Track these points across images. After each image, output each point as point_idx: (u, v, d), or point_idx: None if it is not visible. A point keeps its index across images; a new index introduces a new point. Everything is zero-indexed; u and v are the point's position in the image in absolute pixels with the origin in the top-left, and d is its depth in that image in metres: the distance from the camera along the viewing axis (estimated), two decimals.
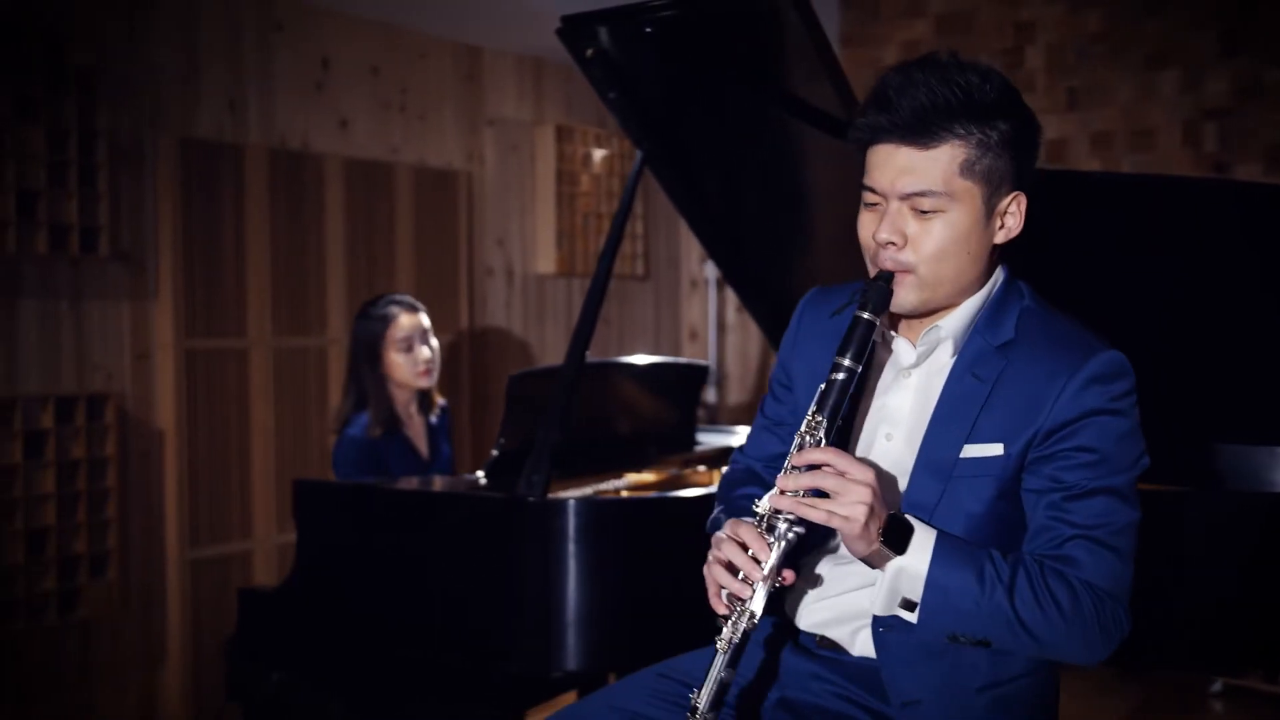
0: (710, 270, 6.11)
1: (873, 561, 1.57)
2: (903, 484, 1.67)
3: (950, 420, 1.62)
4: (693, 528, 1.98)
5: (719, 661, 1.57)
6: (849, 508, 1.50)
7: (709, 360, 6.03)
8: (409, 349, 3.36)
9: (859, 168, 1.64)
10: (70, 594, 3.75)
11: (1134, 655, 2.44)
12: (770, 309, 3.27)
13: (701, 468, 3.45)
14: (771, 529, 1.56)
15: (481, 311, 5.19)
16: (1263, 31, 4.56)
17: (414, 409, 3.45)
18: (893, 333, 1.72)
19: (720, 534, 1.61)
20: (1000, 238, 1.63)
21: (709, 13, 2.53)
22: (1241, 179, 4.49)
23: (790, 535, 1.55)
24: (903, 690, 1.65)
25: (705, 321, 6.21)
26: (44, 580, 3.68)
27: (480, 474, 2.94)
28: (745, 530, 1.57)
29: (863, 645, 1.71)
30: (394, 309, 3.39)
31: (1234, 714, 4.29)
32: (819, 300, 1.85)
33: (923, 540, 1.55)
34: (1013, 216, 1.62)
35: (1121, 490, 1.59)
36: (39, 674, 3.74)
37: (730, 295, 6.16)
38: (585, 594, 2.42)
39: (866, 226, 1.63)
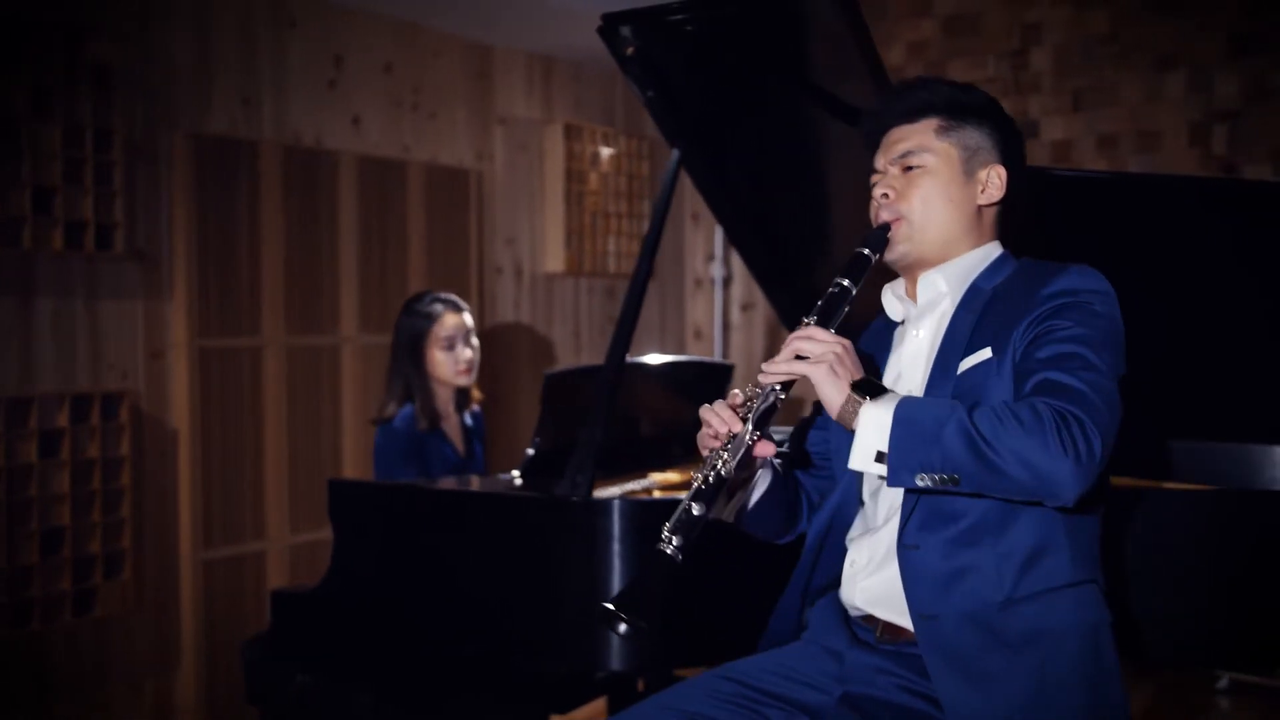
0: (716, 269, 6.11)
1: (846, 419, 1.67)
2: None
3: (951, 347, 1.79)
4: (736, 530, 1.98)
5: (689, 495, 1.71)
6: (816, 356, 1.69)
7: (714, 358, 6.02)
8: (451, 348, 3.41)
9: None
10: (85, 594, 3.72)
11: (1144, 650, 2.47)
12: (794, 302, 3.27)
13: None
14: (759, 395, 1.75)
15: (491, 311, 5.18)
16: (1272, 33, 4.59)
17: (452, 407, 3.49)
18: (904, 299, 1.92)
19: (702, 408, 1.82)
20: (983, 199, 1.87)
21: (751, 12, 2.52)
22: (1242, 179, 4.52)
23: (768, 393, 1.73)
24: (922, 604, 1.72)
25: (710, 320, 6.21)
26: (59, 581, 3.65)
27: (515, 474, 2.93)
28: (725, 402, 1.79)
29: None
30: (439, 307, 3.43)
31: (1240, 708, 4.32)
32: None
33: (894, 395, 1.67)
34: (993, 184, 1.87)
35: (1093, 345, 1.66)
36: (54, 675, 3.71)
37: (735, 294, 6.16)
38: None
39: (872, 200, 1.91)
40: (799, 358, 1.70)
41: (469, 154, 5.08)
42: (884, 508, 1.84)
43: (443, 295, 3.50)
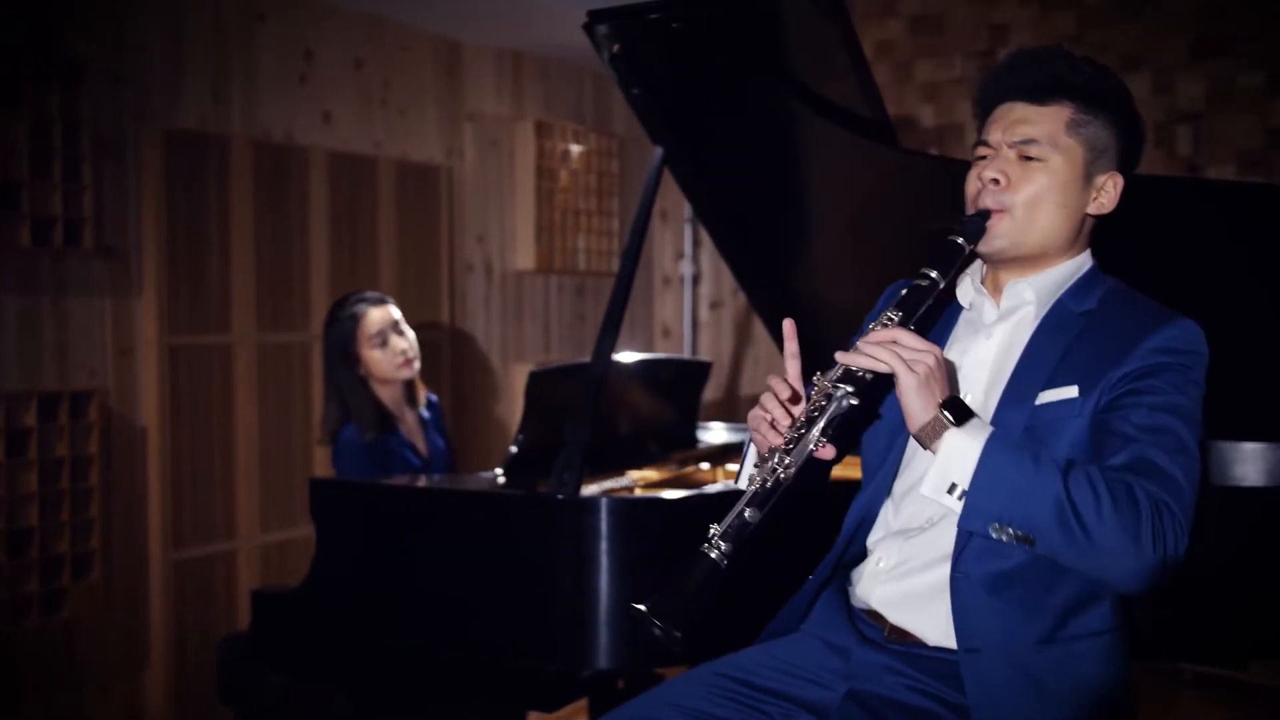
0: (685, 267, 6.11)
1: (927, 437, 1.57)
2: None
3: (1031, 370, 1.68)
4: None
5: (745, 499, 1.60)
6: (913, 363, 1.56)
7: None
8: (383, 343, 3.30)
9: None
10: (53, 596, 3.66)
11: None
12: (774, 298, 3.29)
13: (705, 465, 3.46)
14: (827, 396, 1.62)
15: (461, 308, 5.15)
16: (1235, 36, 4.66)
17: (404, 405, 3.39)
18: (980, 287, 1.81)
19: (771, 379, 1.72)
20: (1093, 209, 1.74)
21: (735, 12, 2.53)
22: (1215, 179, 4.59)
23: (841, 397, 1.60)
24: (968, 636, 1.64)
25: (678, 318, 6.22)
26: (27, 582, 3.59)
27: (499, 472, 2.92)
28: (789, 388, 1.71)
29: (933, 628, 1.71)
30: (360, 306, 3.33)
31: (1204, 702, 4.39)
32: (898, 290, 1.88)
33: (982, 424, 1.57)
34: (1107, 194, 1.73)
35: (1187, 419, 1.59)
36: (22, 677, 3.64)
37: (704, 292, 6.18)
38: (618, 592, 2.41)
39: (974, 176, 1.75)
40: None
41: (439, 150, 5.05)
42: (907, 513, 1.76)
43: (362, 294, 3.40)
